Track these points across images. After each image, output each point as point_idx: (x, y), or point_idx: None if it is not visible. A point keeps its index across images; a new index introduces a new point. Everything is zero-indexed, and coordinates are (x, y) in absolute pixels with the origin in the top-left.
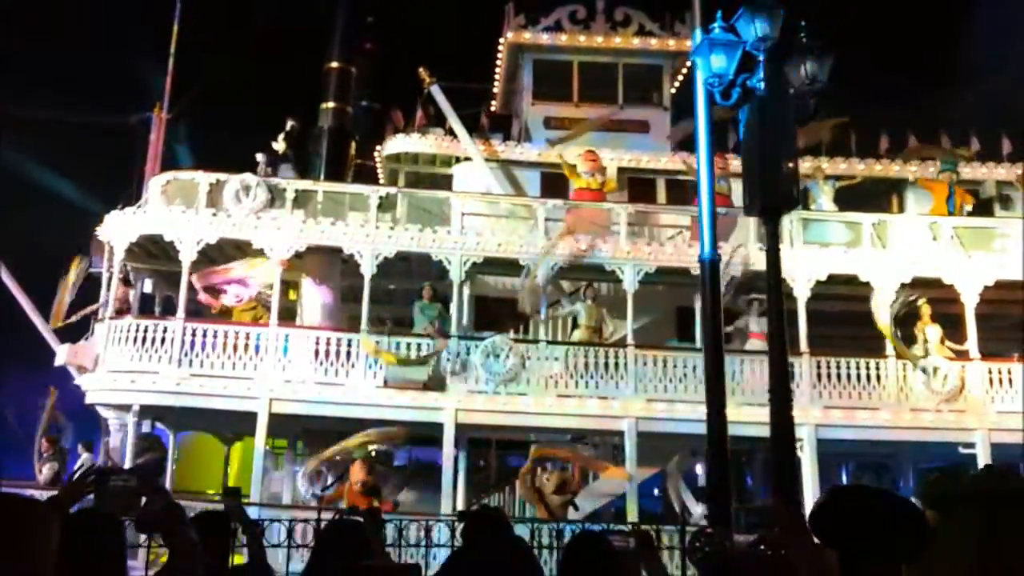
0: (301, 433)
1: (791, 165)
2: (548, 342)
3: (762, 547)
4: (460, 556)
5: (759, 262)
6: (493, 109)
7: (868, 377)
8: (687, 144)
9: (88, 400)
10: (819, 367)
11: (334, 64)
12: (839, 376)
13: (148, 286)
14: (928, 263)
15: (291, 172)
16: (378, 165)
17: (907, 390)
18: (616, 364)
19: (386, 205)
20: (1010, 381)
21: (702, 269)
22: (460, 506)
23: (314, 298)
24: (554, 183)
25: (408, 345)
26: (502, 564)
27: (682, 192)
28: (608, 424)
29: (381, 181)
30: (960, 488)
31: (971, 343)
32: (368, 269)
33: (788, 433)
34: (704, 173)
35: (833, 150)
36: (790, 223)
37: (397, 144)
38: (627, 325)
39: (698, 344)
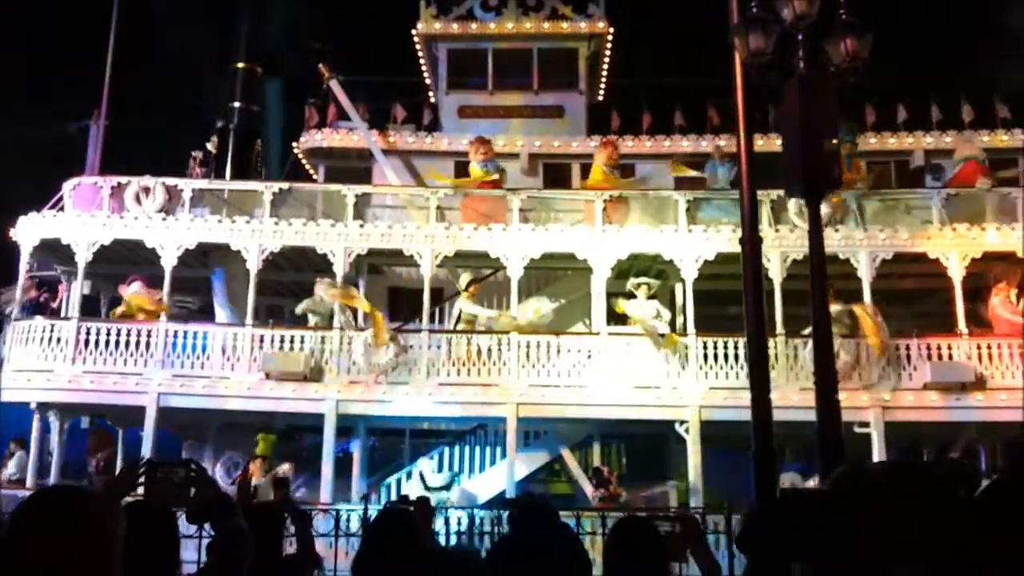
0: (224, 427)
1: (833, 144)
2: (430, 331)
3: None
4: (508, 543)
5: (644, 245)
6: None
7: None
8: (601, 127)
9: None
10: (705, 347)
11: (240, 64)
12: (725, 356)
13: (87, 287)
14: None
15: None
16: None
17: (797, 369)
18: (500, 351)
19: (277, 201)
20: (908, 358)
21: (743, 251)
22: (356, 495)
23: (220, 294)
24: (467, 172)
25: (285, 338)
26: (550, 551)
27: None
28: (490, 411)
29: (315, 177)
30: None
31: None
32: (254, 264)
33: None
34: (744, 155)
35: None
36: (685, 203)
37: (311, 140)
38: (521, 311)
39: (595, 328)
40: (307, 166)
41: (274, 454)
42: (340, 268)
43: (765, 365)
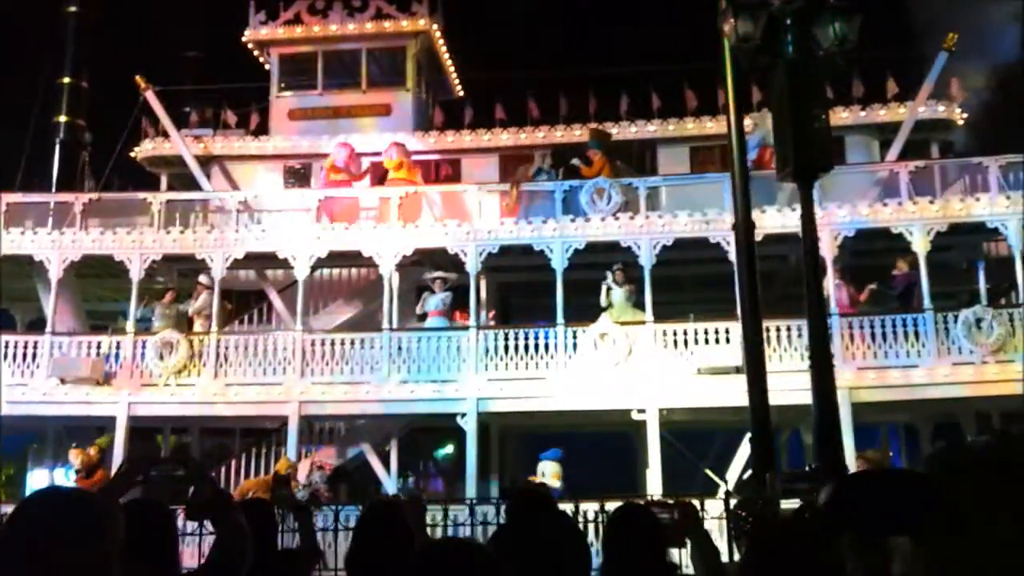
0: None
1: (824, 127)
2: (219, 333)
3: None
4: (506, 533)
5: (431, 240)
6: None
7: (546, 346)
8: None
9: None
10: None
11: (66, 79)
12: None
13: None
14: (601, 229)
15: None
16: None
17: (575, 357)
18: (285, 349)
19: (95, 211)
20: (674, 344)
21: (736, 236)
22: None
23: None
24: (298, 175)
25: (81, 344)
26: (549, 540)
27: (427, 172)
28: (273, 410)
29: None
30: (974, 458)
31: (648, 309)
32: (55, 273)
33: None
34: (735, 140)
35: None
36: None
37: (146, 150)
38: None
39: (385, 324)
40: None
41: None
42: (136, 273)
43: (760, 350)
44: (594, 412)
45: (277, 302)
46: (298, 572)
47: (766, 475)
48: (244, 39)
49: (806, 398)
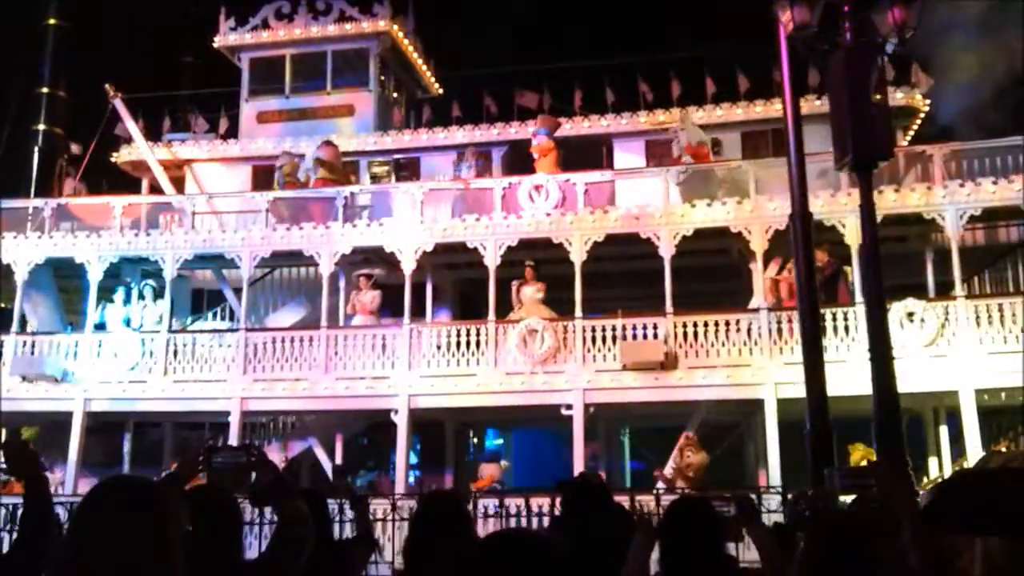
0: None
1: (883, 114)
2: (170, 332)
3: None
4: (563, 525)
5: (369, 239)
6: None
7: (469, 343)
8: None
9: None
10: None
11: (44, 89)
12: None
13: None
14: (534, 225)
15: None
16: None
17: (503, 353)
18: (230, 347)
19: (63, 215)
20: (612, 339)
21: (793, 227)
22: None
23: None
24: (265, 177)
25: (37, 343)
26: (605, 532)
27: (389, 170)
28: (218, 406)
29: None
30: None
31: (577, 305)
32: (21, 275)
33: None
34: (791, 130)
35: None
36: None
37: (124, 155)
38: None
39: (322, 323)
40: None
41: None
42: (94, 276)
43: (819, 342)
44: (524, 407)
45: (233, 301)
46: (354, 561)
47: (824, 470)
48: (215, 45)
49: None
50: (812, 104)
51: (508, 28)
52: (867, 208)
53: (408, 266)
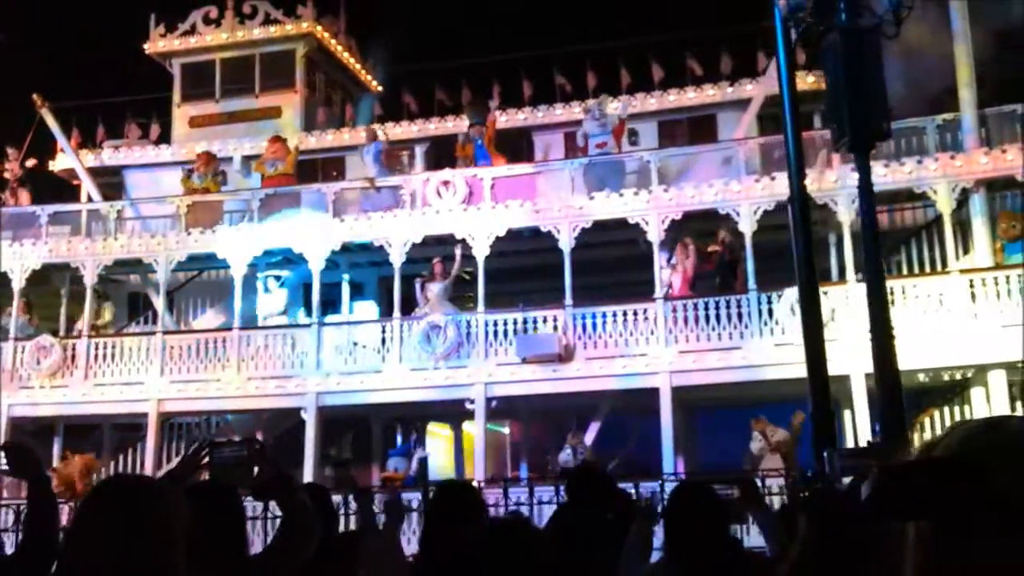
0: None
1: (879, 96)
2: (90, 336)
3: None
4: (567, 512)
5: (275, 240)
6: None
7: (383, 341)
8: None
9: None
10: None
11: None
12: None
13: None
14: (437, 222)
15: None
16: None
17: (404, 351)
18: (148, 350)
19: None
20: (505, 332)
21: (792, 209)
22: None
23: None
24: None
25: None
26: (608, 519)
27: (315, 172)
28: (136, 408)
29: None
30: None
31: (480, 300)
32: None
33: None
34: (788, 112)
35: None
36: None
37: (59, 163)
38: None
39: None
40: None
41: None
42: (17, 282)
43: (820, 326)
44: (429, 403)
45: (158, 304)
46: (356, 554)
47: (824, 452)
48: (147, 51)
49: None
50: (724, 91)
51: (434, 26)
52: (865, 187)
53: (316, 265)
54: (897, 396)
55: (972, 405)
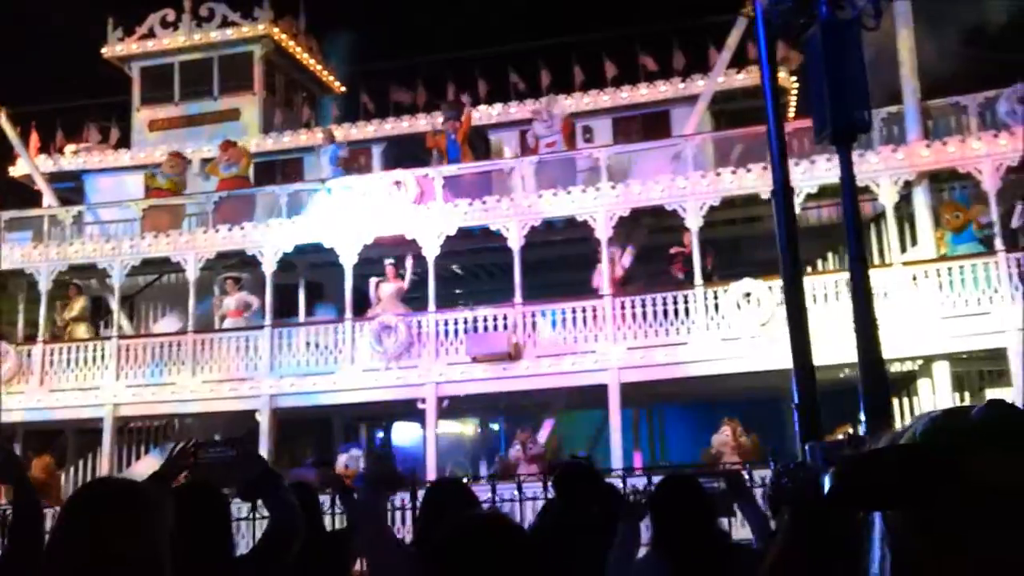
0: None
1: (861, 88)
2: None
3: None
4: (555, 507)
5: (229, 243)
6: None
7: (335, 343)
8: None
9: None
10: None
11: None
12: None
13: None
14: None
15: None
16: None
17: (361, 351)
18: (105, 354)
19: None
20: (456, 332)
21: (775, 200)
22: None
23: None
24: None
25: None
26: (596, 513)
27: (273, 174)
28: (92, 412)
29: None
30: (972, 425)
31: (431, 300)
32: None
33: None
34: (770, 106)
35: None
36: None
37: (19, 168)
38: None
39: (189, 327)
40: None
41: None
42: None
43: (804, 318)
44: (383, 403)
45: (116, 309)
46: (345, 551)
47: (806, 444)
48: (104, 55)
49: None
50: (676, 87)
51: (389, 25)
52: (848, 180)
53: (269, 268)
54: (881, 387)
55: (919, 397)
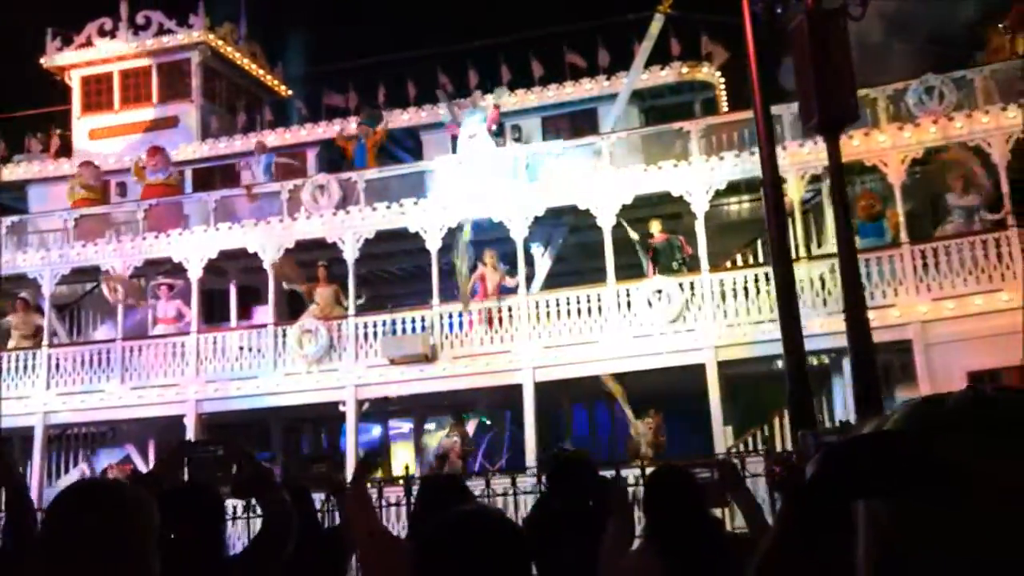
0: None
1: (847, 79)
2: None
3: None
4: (549, 500)
5: (156, 251)
6: None
7: (259, 348)
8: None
9: None
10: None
11: None
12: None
13: None
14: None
15: None
16: None
17: (283, 355)
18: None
19: None
20: (375, 334)
21: (765, 195)
22: None
23: None
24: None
25: None
26: (590, 505)
27: (212, 178)
28: (23, 421)
29: None
30: (947, 410)
31: (351, 304)
32: None
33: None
34: (758, 100)
35: None
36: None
37: None
38: None
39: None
40: None
41: None
42: None
43: (795, 305)
44: (307, 406)
45: (53, 317)
46: (340, 550)
47: (799, 432)
48: (43, 64)
49: None
50: (601, 84)
51: (321, 30)
52: (835, 168)
53: (195, 274)
54: (872, 374)
55: (833, 393)
